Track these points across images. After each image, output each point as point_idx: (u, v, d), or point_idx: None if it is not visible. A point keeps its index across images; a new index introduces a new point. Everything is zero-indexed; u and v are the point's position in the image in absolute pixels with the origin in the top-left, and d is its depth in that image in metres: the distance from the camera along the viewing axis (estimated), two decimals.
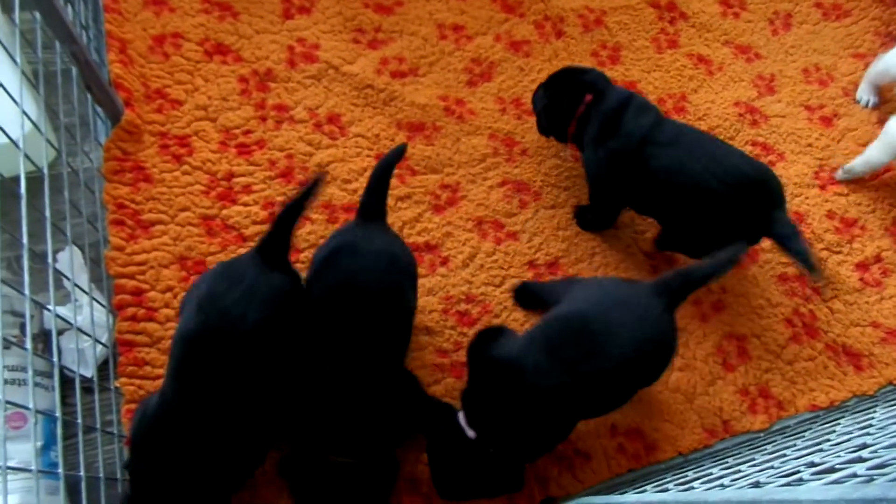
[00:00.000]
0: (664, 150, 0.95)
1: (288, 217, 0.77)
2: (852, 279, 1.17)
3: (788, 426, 1.04)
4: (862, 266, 1.18)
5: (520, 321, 1.05)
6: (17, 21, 0.84)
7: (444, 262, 1.08)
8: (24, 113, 0.79)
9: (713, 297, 1.12)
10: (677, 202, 0.96)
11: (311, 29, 1.23)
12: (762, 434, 1.03)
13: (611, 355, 0.76)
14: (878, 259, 1.19)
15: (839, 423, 0.94)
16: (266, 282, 0.75)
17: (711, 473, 0.76)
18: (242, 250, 1.04)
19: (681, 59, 1.33)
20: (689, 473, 0.82)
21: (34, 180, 0.80)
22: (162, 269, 1.01)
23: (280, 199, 1.08)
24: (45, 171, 0.82)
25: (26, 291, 0.70)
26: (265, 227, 1.04)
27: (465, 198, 1.14)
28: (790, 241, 0.91)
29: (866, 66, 1.38)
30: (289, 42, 1.21)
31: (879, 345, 1.11)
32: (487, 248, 1.10)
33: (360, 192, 1.08)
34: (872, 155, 1.19)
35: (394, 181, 1.11)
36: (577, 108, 1.01)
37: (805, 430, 0.96)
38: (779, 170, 1.25)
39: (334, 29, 1.23)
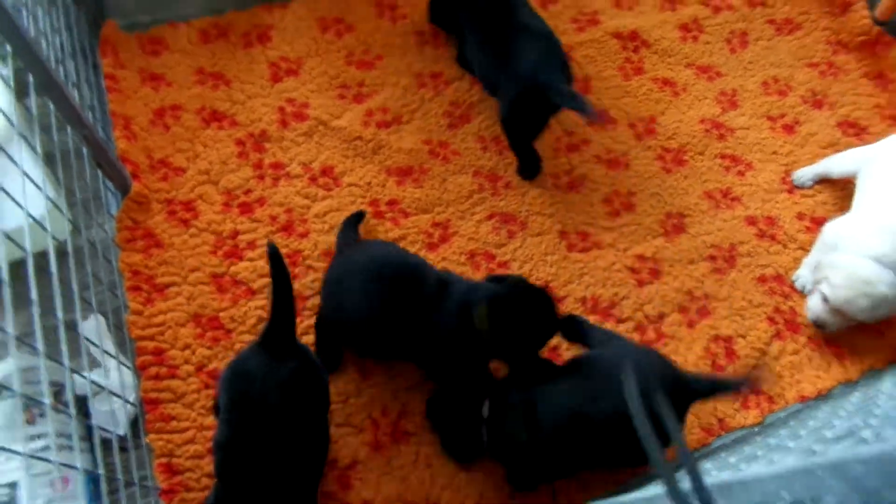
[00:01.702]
0: None
1: (281, 305, 0.83)
2: None
3: (780, 418, 1.10)
4: None
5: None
6: (34, 109, 0.93)
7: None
8: (48, 198, 0.87)
9: (698, 303, 1.19)
10: None
11: (300, 89, 1.31)
12: (756, 428, 1.09)
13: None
14: None
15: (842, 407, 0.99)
16: (276, 376, 0.82)
17: (723, 459, 0.82)
18: (252, 304, 1.11)
19: (647, 83, 1.42)
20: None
21: (50, 254, 0.87)
22: (179, 329, 1.08)
23: (283, 251, 1.15)
24: (70, 247, 0.89)
25: (65, 362, 0.76)
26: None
27: (456, 233, 1.21)
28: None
29: (821, 74, 1.47)
30: (279, 104, 1.30)
31: (858, 335, 1.17)
32: (481, 279, 1.17)
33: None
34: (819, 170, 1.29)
35: (388, 223, 1.20)
36: None
37: (794, 420, 1.02)
38: (748, 178, 1.33)
39: (321, 87, 1.32)
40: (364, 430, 1.03)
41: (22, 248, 0.75)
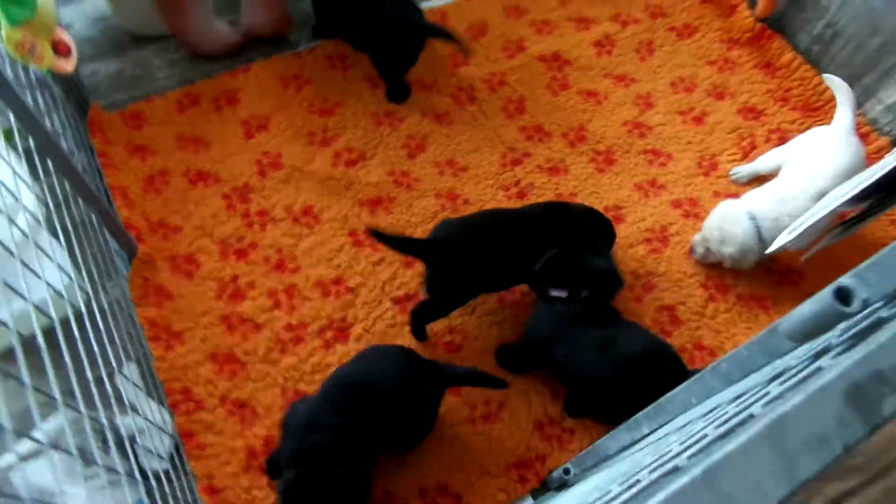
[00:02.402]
0: None
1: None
2: None
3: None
4: None
5: (493, 338, 1.29)
6: (47, 188, 1.07)
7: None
8: (68, 275, 1.01)
9: (642, 280, 1.38)
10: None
11: (272, 142, 1.48)
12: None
13: None
14: None
15: None
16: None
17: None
18: (260, 336, 1.26)
19: (573, 97, 1.63)
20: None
21: (79, 317, 1.00)
22: (199, 367, 1.22)
23: (280, 287, 1.30)
24: (106, 307, 1.03)
25: (113, 407, 0.90)
26: (275, 314, 1.28)
27: None
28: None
29: (719, 69, 1.70)
30: (256, 157, 1.45)
31: (776, 287, 1.39)
32: None
33: (343, 265, 1.33)
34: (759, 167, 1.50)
35: (366, 249, 1.36)
36: None
37: None
38: (670, 167, 1.54)
39: (290, 137, 1.48)
40: None
41: (49, 316, 0.88)
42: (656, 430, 0.72)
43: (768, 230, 1.28)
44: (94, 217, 1.16)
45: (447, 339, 1.29)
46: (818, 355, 0.45)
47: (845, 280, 0.37)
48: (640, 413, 0.72)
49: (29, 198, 1.08)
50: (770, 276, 1.41)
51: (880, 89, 1.55)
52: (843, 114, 1.37)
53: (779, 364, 0.46)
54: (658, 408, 0.67)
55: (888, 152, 1.52)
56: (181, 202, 1.38)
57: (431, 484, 1.16)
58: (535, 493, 1.17)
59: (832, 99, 1.60)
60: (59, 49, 1.04)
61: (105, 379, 0.92)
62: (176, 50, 1.58)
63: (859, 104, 1.60)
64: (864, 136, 1.58)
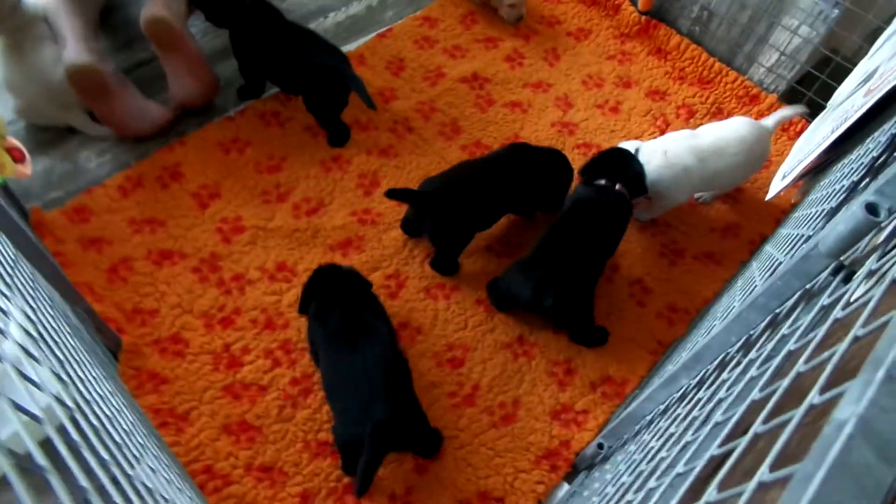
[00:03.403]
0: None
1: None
2: (683, 208, 1.60)
3: (696, 322, 1.43)
4: None
5: (499, 343, 1.35)
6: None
7: (419, 330, 1.36)
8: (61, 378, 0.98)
9: (612, 261, 1.50)
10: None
11: (227, 208, 1.47)
12: (685, 337, 1.41)
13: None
14: None
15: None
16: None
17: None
18: (268, 398, 1.25)
19: (500, 110, 1.74)
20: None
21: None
22: (215, 443, 1.20)
23: (274, 345, 1.31)
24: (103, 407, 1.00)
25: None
26: (277, 372, 1.28)
27: (407, 278, 1.43)
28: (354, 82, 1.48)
29: (619, 62, 1.87)
30: (216, 225, 1.45)
31: (722, 242, 1.54)
32: (442, 306, 1.40)
33: None
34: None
35: None
36: None
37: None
38: None
39: (245, 200, 1.49)
40: None
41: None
42: (695, 380, 0.80)
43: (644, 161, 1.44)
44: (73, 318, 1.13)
45: (449, 356, 1.34)
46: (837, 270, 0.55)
47: (870, 197, 0.46)
48: (677, 366, 0.80)
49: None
50: (713, 233, 1.57)
51: (759, 55, 1.77)
52: (771, 117, 1.51)
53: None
54: (696, 357, 0.76)
55: (779, 107, 1.74)
56: (151, 285, 1.36)
57: (472, 494, 1.20)
58: (569, 478, 1.24)
59: (722, 70, 1.81)
60: (14, 155, 1.02)
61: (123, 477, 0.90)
62: (101, 136, 1.55)
63: (744, 71, 1.82)
64: (755, 97, 1.79)
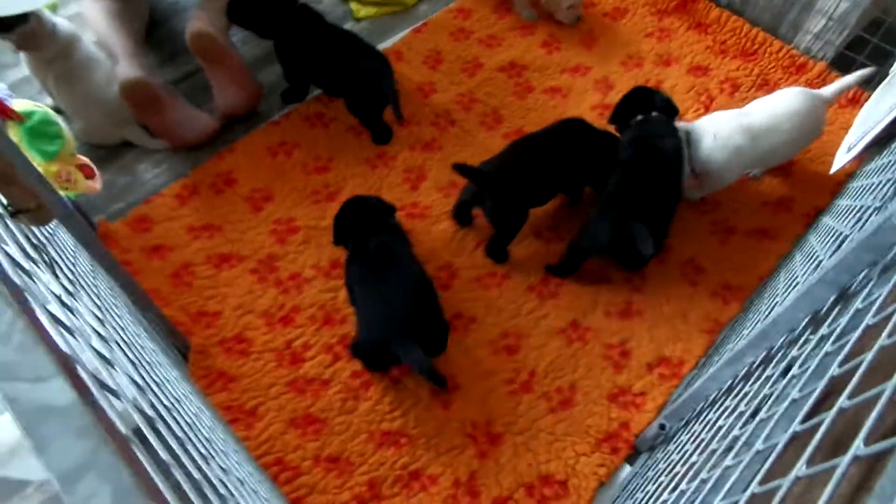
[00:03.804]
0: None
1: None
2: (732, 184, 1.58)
3: (752, 300, 1.41)
4: None
5: (553, 328, 1.36)
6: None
7: (473, 320, 1.38)
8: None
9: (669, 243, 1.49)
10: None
11: (280, 209, 1.52)
12: (740, 315, 1.39)
13: None
14: None
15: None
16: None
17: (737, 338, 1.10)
18: (330, 391, 1.29)
19: (540, 97, 1.73)
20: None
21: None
22: (283, 437, 1.24)
23: (334, 340, 1.34)
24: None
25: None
26: (338, 366, 1.32)
27: (459, 268, 1.45)
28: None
29: (658, 39, 1.85)
30: (270, 227, 1.49)
31: (774, 217, 1.52)
32: (495, 294, 1.42)
33: None
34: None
35: None
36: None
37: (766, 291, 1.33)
38: None
39: (296, 201, 1.53)
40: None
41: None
42: (761, 357, 0.80)
43: (694, 143, 1.43)
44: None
45: (504, 344, 1.35)
46: None
47: None
48: (743, 343, 0.80)
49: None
50: (765, 207, 1.54)
51: (805, 21, 1.72)
52: (830, 87, 1.46)
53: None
54: (762, 334, 0.75)
55: (828, 75, 1.69)
56: (213, 288, 1.41)
57: (534, 478, 1.22)
58: (630, 459, 1.24)
59: (766, 40, 1.77)
60: (85, 172, 1.07)
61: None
62: (156, 149, 1.61)
63: (789, 39, 1.77)
64: (802, 66, 1.74)
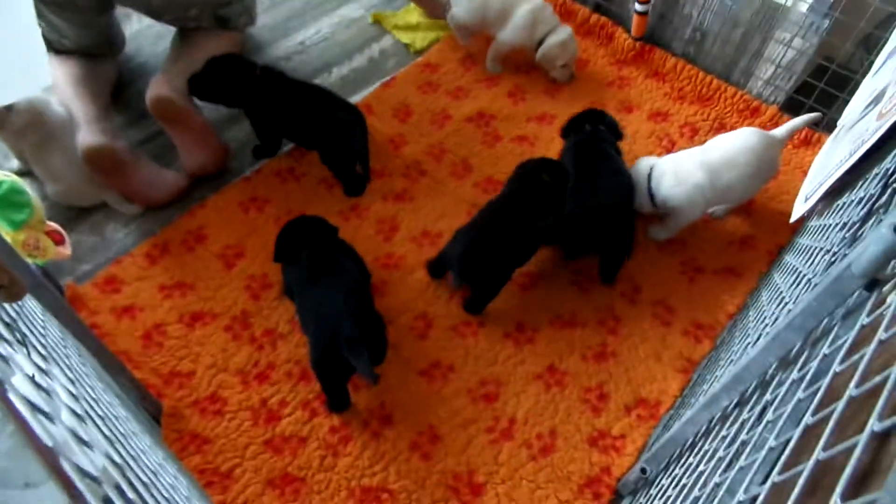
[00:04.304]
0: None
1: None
2: (698, 224, 1.63)
3: (723, 337, 1.44)
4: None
5: (530, 374, 1.37)
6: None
7: (451, 368, 1.38)
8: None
9: (629, 283, 1.51)
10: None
11: (253, 265, 1.51)
12: (712, 353, 1.42)
13: None
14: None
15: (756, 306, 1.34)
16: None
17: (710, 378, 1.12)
18: (308, 449, 1.27)
19: (508, 145, 1.78)
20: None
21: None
22: (261, 498, 1.21)
23: (311, 396, 1.33)
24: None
25: None
26: (315, 422, 1.30)
27: (435, 317, 1.45)
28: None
29: (619, 87, 1.92)
30: (243, 284, 1.48)
31: (740, 255, 1.56)
32: (471, 343, 1.42)
33: None
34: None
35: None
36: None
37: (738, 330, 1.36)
38: None
39: (269, 257, 1.50)
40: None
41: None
42: (736, 401, 0.82)
43: (656, 179, 1.51)
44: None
45: (483, 392, 1.35)
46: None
47: None
48: (717, 387, 0.82)
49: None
50: (730, 246, 1.59)
51: (755, 68, 1.81)
52: (781, 128, 1.52)
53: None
54: (736, 378, 0.77)
55: (780, 118, 1.77)
56: (186, 347, 1.38)
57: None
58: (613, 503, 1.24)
59: (720, 87, 1.86)
60: (54, 238, 1.06)
61: None
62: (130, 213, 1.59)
63: (742, 85, 1.86)
64: (756, 109, 1.83)
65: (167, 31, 1.97)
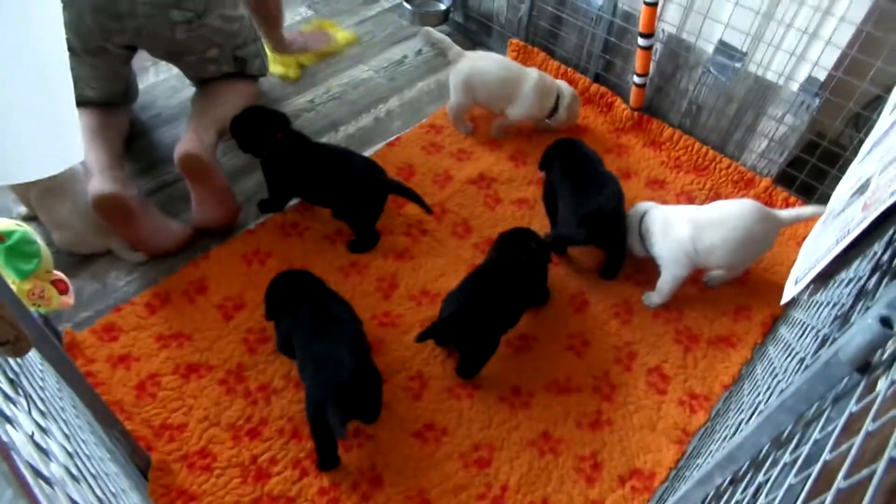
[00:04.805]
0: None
1: None
2: (693, 294, 1.64)
3: (718, 409, 1.43)
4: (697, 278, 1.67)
5: (525, 439, 1.36)
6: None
7: (444, 431, 1.37)
8: None
9: (624, 350, 1.52)
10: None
11: (252, 318, 1.52)
12: (708, 424, 1.41)
13: None
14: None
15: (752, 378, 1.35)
16: None
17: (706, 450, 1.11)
18: None
19: (509, 207, 1.81)
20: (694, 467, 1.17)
21: None
22: None
23: (302, 455, 1.31)
24: None
25: None
26: (305, 482, 1.28)
27: (430, 378, 1.45)
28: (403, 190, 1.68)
29: (617, 155, 1.97)
30: (241, 336, 1.49)
31: (734, 325, 1.58)
32: (466, 405, 1.41)
33: None
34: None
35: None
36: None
37: (729, 401, 1.36)
38: None
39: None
40: None
41: None
42: (730, 479, 0.82)
43: (647, 226, 1.58)
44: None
45: (476, 457, 1.34)
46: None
47: (884, 310, 0.51)
48: (711, 464, 0.82)
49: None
50: (725, 316, 1.60)
51: (749, 141, 1.87)
52: (789, 211, 1.56)
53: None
54: (729, 457, 0.77)
55: (773, 189, 1.82)
56: (179, 399, 1.38)
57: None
58: None
59: (716, 157, 1.91)
60: (59, 287, 1.07)
61: None
62: (136, 261, 1.61)
63: (737, 157, 1.91)
64: (750, 181, 1.87)
65: (182, 84, 2.04)
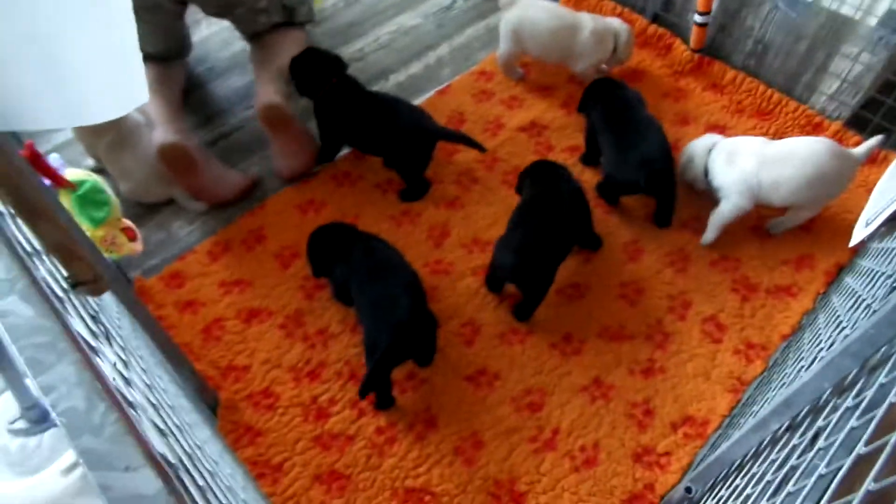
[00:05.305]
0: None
1: None
2: (753, 240, 1.60)
3: (776, 359, 1.41)
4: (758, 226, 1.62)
5: (576, 385, 1.37)
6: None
7: (497, 376, 1.40)
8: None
9: (678, 299, 1.50)
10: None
11: (307, 268, 1.55)
12: (765, 373, 1.39)
13: None
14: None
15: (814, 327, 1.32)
16: None
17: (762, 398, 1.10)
18: (355, 447, 1.30)
19: (560, 155, 1.78)
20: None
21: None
22: (309, 493, 1.25)
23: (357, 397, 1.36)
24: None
25: None
26: (362, 422, 1.33)
27: (482, 325, 1.47)
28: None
29: (675, 99, 1.90)
30: (298, 283, 1.53)
31: (795, 274, 1.53)
32: (518, 351, 1.43)
33: None
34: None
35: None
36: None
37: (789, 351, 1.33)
38: None
39: None
40: None
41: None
42: (787, 425, 0.81)
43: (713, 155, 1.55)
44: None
45: (528, 401, 1.36)
46: None
47: None
48: (768, 410, 0.81)
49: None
50: (786, 265, 1.55)
51: (819, 83, 1.76)
52: (862, 146, 1.48)
53: None
54: (787, 402, 0.77)
55: (843, 133, 1.72)
56: (242, 343, 1.44)
57: None
58: None
59: (781, 100, 1.82)
60: (128, 234, 1.12)
61: None
62: (196, 210, 1.67)
63: (804, 100, 1.81)
64: (818, 125, 1.78)
65: (233, 37, 2.06)
